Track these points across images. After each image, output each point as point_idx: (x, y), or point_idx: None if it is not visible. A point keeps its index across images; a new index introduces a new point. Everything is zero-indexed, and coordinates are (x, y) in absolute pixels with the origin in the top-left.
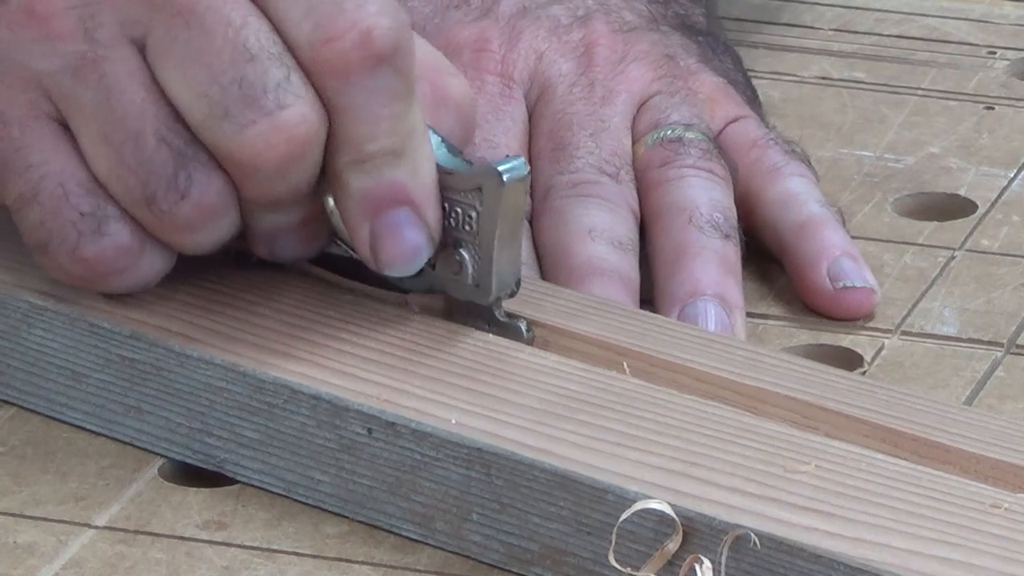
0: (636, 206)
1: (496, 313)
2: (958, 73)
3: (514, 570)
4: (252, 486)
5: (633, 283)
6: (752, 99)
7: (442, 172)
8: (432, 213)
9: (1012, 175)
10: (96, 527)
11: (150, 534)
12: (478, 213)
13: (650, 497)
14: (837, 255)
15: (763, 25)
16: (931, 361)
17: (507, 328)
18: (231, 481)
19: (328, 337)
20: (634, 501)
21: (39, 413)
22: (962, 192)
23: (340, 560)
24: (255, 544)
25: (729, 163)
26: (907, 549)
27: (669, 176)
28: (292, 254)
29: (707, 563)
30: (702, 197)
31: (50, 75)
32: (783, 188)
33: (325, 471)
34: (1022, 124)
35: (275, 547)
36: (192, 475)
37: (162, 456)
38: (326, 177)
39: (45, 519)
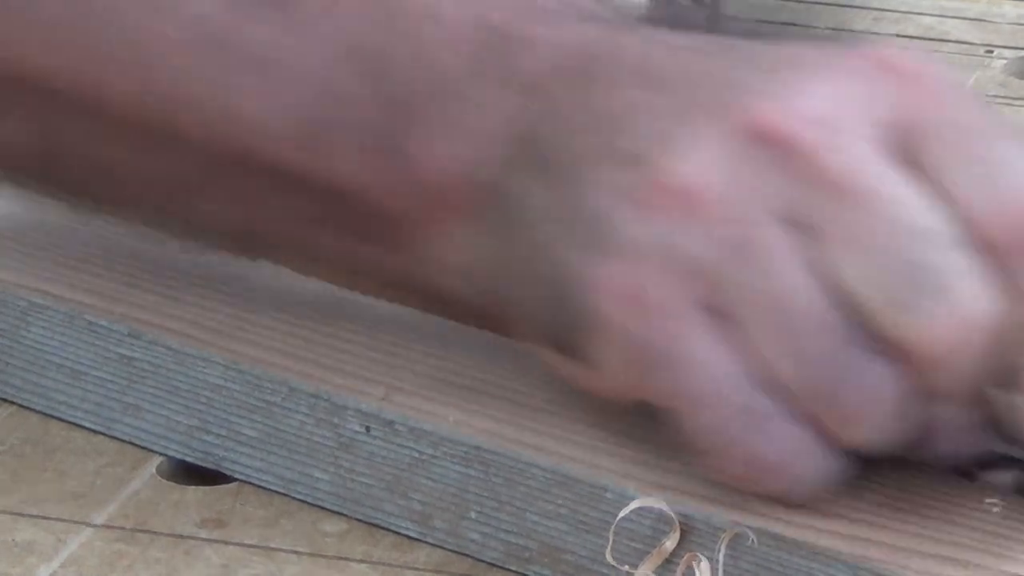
0: None
1: None
2: (956, 72)
3: (512, 568)
4: (250, 484)
5: None
6: None
7: None
8: None
9: None
10: (94, 525)
11: (148, 532)
12: None
13: (648, 495)
14: None
15: (761, 24)
16: None
17: None
18: (229, 479)
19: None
20: (632, 499)
21: (37, 411)
22: None
23: (338, 558)
24: (253, 542)
25: None
26: (906, 547)
27: None
28: (952, 451)
29: (705, 561)
30: None
31: (707, 259)
32: None
33: (324, 469)
34: (1020, 123)
35: (273, 545)
36: (190, 473)
37: (160, 454)
38: (1001, 367)
39: (43, 517)
